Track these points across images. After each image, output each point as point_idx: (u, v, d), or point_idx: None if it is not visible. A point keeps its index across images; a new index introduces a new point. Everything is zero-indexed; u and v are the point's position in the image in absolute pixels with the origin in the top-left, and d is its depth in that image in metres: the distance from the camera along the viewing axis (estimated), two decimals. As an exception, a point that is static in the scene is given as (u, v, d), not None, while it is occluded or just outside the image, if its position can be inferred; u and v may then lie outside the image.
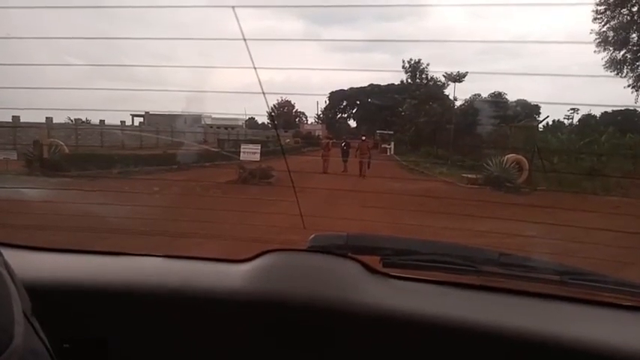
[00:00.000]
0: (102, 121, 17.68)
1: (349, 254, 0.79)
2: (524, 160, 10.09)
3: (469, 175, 10.00)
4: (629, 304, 0.69)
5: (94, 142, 16.18)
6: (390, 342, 0.69)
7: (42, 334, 0.51)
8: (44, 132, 13.26)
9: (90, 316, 0.75)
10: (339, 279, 0.75)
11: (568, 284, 0.71)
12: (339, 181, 9.23)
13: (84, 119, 17.30)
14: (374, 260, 0.78)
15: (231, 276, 0.77)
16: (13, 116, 14.01)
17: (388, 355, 0.69)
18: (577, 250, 2.67)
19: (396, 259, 0.77)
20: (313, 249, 0.81)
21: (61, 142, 12.29)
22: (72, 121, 16.79)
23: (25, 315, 0.48)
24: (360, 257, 0.79)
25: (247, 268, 0.78)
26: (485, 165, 9.80)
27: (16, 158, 10.24)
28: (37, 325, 0.51)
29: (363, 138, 12.09)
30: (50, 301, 0.60)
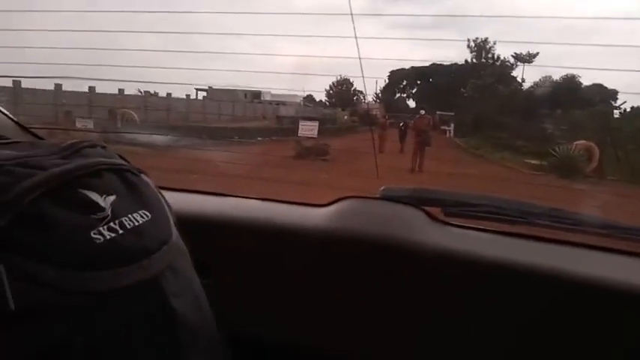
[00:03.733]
0: (169, 94, 18.61)
1: (415, 204, 0.91)
2: (594, 147, 9.54)
3: (532, 161, 9.62)
4: None
5: (161, 113, 17.04)
6: (448, 279, 0.81)
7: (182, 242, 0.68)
8: (118, 103, 14.20)
9: (196, 245, 0.92)
10: (406, 224, 0.87)
11: (613, 237, 0.79)
12: (395, 160, 9.23)
13: (152, 92, 18.27)
14: (436, 210, 0.90)
15: (314, 217, 0.92)
16: (89, 87, 15.07)
17: (445, 289, 0.81)
18: None
19: (456, 209, 0.89)
20: (384, 197, 0.94)
21: (133, 113, 13.15)
22: (141, 93, 17.78)
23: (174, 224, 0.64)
24: (424, 207, 0.91)
25: (327, 211, 0.92)
26: (551, 151, 9.38)
27: (92, 127, 11.13)
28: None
29: (422, 112, 10.53)
30: None
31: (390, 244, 0.83)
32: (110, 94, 15.02)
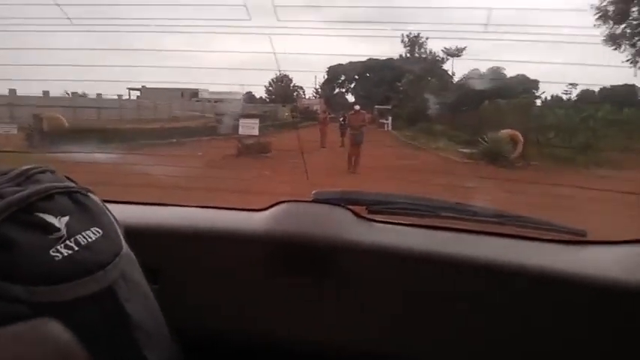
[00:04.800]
0: (99, 95, 17.65)
1: (343, 204, 1.03)
2: (518, 135, 10.29)
3: (464, 150, 10.24)
4: (548, 237, 0.94)
5: (92, 117, 16.15)
6: (373, 269, 0.93)
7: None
8: (43, 106, 13.27)
9: (142, 253, 0.97)
10: (335, 223, 0.99)
11: (503, 224, 0.96)
12: (336, 155, 9.45)
13: (80, 92, 17.25)
14: (362, 209, 1.02)
15: (252, 221, 1.01)
16: (9, 89, 13.99)
17: (370, 278, 0.93)
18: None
19: (378, 207, 1.02)
20: (316, 200, 1.05)
21: (61, 117, 12.36)
22: (69, 94, 16.75)
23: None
24: (351, 207, 1.03)
25: (264, 215, 1.02)
26: (480, 140, 10.01)
27: (16, 132, 10.37)
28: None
29: (357, 107, 10.21)
30: None
31: (322, 242, 0.94)
32: (34, 97, 14.02)
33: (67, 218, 0.56)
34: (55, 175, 0.64)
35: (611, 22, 15.46)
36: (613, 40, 15.57)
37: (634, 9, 15.29)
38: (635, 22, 15.34)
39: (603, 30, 15.08)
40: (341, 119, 11.98)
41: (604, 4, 15.16)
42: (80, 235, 0.56)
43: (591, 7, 14.61)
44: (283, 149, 8.85)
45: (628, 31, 15.48)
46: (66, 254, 0.53)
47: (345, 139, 10.74)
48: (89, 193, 0.66)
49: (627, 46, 15.54)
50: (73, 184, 0.64)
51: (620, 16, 15.36)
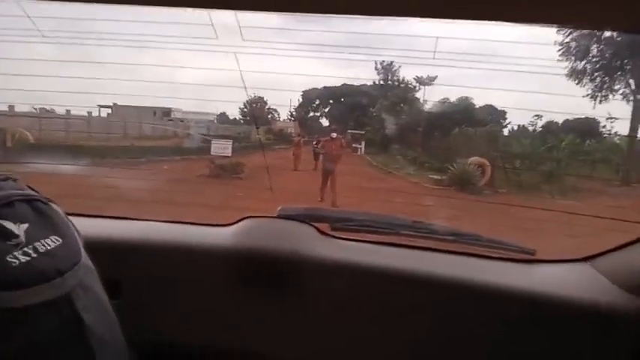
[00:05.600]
0: (68, 111, 17.20)
1: (307, 221, 1.06)
2: (486, 163, 10.60)
3: (435, 177, 10.46)
4: (497, 256, 0.99)
5: (59, 133, 15.70)
6: (334, 284, 0.95)
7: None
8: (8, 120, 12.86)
9: (107, 265, 0.97)
10: (299, 239, 1.01)
11: (457, 242, 1.00)
12: (309, 179, 9.49)
13: (48, 108, 16.80)
14: (324, 226, 1.05)
15: (219, 236, 1.02)
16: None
17: (332, 293, 0.95)
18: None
19: (340, 225, 1.05)
20: (281, 216, 1.08)
21: (26, 132, 11.99)
22: (36, 109, 16.30)
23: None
24: (314, 224, 1.05)
25: (230, 230, 1.03)
26: (449, 167, 10.26)
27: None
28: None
29: (334, 135, 9.44)
30: None
31: (285, 257, 0.96)
32: (-1, 111, 13.57)
33: (26, 225, 0.57)
34: (17, 183, 0.64)
35: (573, 57, 16.35)
36: (575, 75, 16.43)
37: (593, 47, 16.24)
38: (595, 59, 16.26)
39: (566, 65, 15.91)
40: (314, 143, 12.02)
41: (567, 40, 16.05)
42: (39, 243, 0.57)
43: (555, 43, 15.43)
44: (256, 171, 8.83)
45: (588, 67, 16.38)
46: (24, 260, 0.53)
47: (319, 163, 10.77)
48: (50, 203, 0.67)
49: (588, 81, 16.42)
50: (34, 193, 0.64)
51: (582, 53, 16.25)
